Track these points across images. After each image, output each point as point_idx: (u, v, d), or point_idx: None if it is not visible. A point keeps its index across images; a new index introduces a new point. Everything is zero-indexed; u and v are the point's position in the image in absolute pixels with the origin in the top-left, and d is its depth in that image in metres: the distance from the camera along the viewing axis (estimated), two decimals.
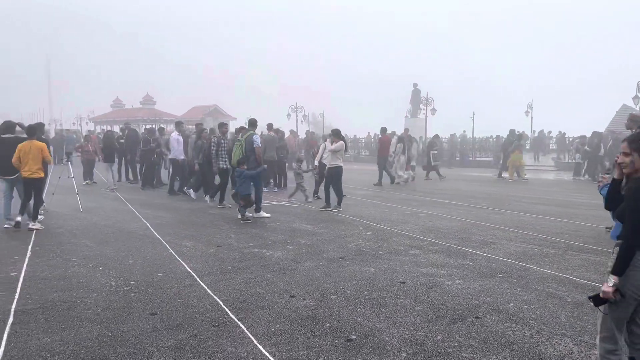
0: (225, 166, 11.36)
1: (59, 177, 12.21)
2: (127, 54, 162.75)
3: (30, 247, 7.55)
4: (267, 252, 7.25)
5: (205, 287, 5.54)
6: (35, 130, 9.22)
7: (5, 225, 9.01)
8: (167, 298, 5.23)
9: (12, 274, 6.09)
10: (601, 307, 2.96)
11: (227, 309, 4.87)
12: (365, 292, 5.36)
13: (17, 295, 5.29)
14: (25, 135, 9.05)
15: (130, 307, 4.94)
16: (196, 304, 5.02)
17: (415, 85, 35.41)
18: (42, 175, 9.09)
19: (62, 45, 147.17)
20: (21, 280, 5.84)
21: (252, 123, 10.77)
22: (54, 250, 7.32)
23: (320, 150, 12.42)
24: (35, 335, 4.24)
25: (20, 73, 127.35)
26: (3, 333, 4.29)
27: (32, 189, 8.90)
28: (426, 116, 34.32)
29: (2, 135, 9.15)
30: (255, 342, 4.10)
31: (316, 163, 12.49)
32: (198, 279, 5.86)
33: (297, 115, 39.33)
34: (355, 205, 11.93)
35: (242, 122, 13.98)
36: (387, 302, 5.06)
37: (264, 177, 11.80)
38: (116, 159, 16.81)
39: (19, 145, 8.75)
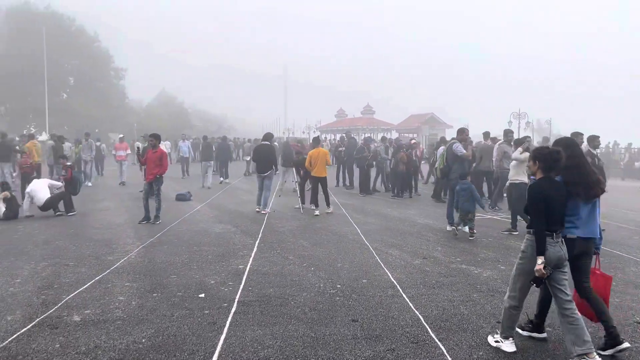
0: None
1: (285, 182, 13.50)
2: (352, 68, 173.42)
3: (257, 243, 8.44)
4: (476, 269, 6.80)
5: (407, 300, 5.42)
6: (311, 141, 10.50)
7: (256, 210, 11.94)
8: (369, 306, 5.25)
9: (239, 267, 6.86)
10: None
11: (427, 327, 4.67)
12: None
13: (241, 287, 5.91)
14: (275, 143, 10.63)
15: (334, 311, 5.10)
16: (397, 317, 4.93)
17: None
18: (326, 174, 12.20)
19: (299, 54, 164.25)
20: (246, 273, 6.53)
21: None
22: (275, 248, 8.04)
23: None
24: (251, 326, 4.66)
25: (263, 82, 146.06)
26: (226, 320, 4.81)
27: (321, 184, 11.97)
28: None
29: (262, 142, 12.34)
30: None
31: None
32: (401, 290, 5.77)
33: (519, 123, 36.51)
34: None
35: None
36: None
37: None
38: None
39: (310, 152, 12.32)
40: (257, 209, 11.97)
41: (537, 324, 4.50)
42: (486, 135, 14.53)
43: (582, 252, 4.19)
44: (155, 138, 10.66)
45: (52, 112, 43.75)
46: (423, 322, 4.80)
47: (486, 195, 14.01)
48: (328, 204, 12.14)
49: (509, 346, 4.15)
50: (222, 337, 4.40)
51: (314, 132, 66.67)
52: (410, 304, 5.30)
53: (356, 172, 17.36)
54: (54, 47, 46.72)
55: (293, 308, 5.18)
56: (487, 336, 4.39)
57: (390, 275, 6.43)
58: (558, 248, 3.96)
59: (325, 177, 12.18)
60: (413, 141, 17.96)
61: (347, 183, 18.00)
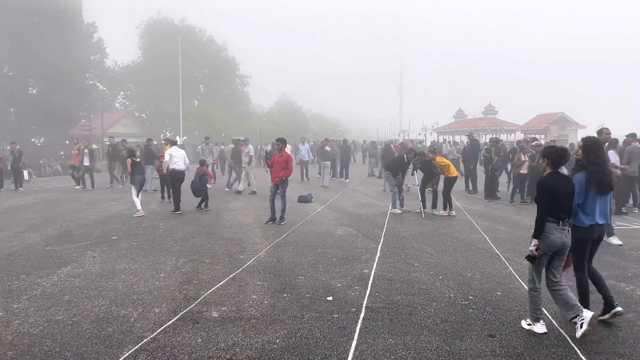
0: None
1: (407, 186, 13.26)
2: (471, 67, 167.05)
3: (379, 247, 8.34)
4: (627, 287, 6.08)
5: (550, 317, 4.97)
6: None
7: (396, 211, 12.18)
8: (506, 321, 4.90)
9: (364, 271, 6.80)
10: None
11: (577, 348, 4.23)
12: None
13: (367, 292, 5.84)
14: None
15: (469, 324, 4.82)
16: (539, 335, 4.53)
17: None
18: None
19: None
20: (371, 278, 6.45)
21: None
22: (399, 254, 7.88)
23: None
24: (381, 334, 4.56)
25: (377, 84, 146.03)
26: (356, 326, 4.76)
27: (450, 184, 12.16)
28: None
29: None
30: None
31: None
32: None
33: None
34: None
35: (592, 132, 12.29)
36: None
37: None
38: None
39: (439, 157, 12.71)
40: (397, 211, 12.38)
41: (605, 301, 4.85)
42: (632, 136, 13.05)
43: (598, 237, 4.85)
44: (282, 142, 11.02)
45: (185, 117, 47.46)
46: (571, 342, 4.36)
47: (630, 202, 12.62)
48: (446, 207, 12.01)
49: (540, 328, 4.59)
50: (354, 343, 4.35)
51: (431, 134, 65.18)
52: (554, 322, 4.86)
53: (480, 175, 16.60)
54: (187, 57, 50.70)
55: (423, 318, 4.99)
56: (521, 321, 4.82)
57: (526, 287, 5.96)
58: (563, 235, 4.53)
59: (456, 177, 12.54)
60: (535, 142, 16.69)
61: (471, 187, 17.24)
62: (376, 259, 7.52)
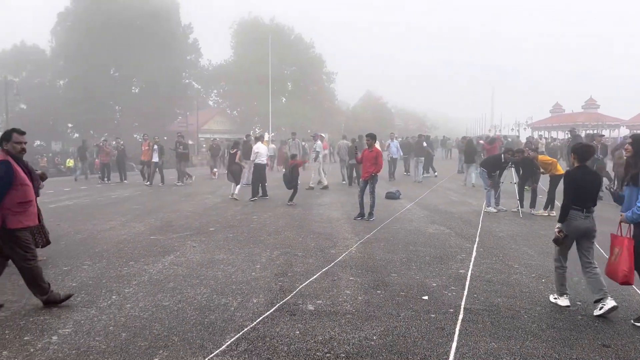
0: None
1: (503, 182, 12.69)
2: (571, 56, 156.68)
3: (475, 247, 8.03)
4: None
5: None
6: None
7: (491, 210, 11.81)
8: (621, 331, 4.53)
9: (460, 271, 6.57)
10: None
11: None
12: None
13: (465, 293, 5.64)
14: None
15: (578, 332, 4.51)
16: None
17: None
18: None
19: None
20: (468, 278, 6.22)
21: None
22: (497, 254, 7.54)
23: None
24: (482, 337, 4.37)
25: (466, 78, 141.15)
26: (455, 327, 4.61)
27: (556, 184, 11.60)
28: None
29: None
30: None
31: None
32: None
33: None
34: None
35: None
36: None
37: None
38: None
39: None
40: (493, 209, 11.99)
41: None
42: None
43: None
44: (372, 138, 10.95)
45: (273, 114, 48.72)
46: None
47: None
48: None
49: (563, 301, 5.23)
50: (454, 345, 4.20)
51: (525, 129, 62.06)
52: None
53: None
54: (276, 55, 51.95)
55: (527, 322, 4.73)
56: (549, 296, 5.40)
57: (554, 266, 5.56)
58: (587, 221, 5.09)
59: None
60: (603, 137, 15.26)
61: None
62: (472, 259, 7.25)
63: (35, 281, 5.06)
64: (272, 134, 46.09)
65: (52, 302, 5.11)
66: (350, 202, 13.21)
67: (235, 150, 14.59)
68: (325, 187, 16.87)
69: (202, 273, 6.42)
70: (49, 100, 45.67)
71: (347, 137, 21.26)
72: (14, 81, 35.51)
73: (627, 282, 4.81)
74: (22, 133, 5.07)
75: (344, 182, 18.89)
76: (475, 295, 5.55)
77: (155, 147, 19.26)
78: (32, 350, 4.05)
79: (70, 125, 51.14)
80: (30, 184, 5.04)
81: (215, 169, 23.10)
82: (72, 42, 45.37)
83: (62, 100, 46.09)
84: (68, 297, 5.23)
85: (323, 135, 22.30)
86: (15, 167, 4.90)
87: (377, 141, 11.51)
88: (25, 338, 4.30)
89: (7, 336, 4.34)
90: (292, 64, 60.44)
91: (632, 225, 4.86)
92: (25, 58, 48.90)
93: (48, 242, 6.88)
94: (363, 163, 10.93)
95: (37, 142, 47.30)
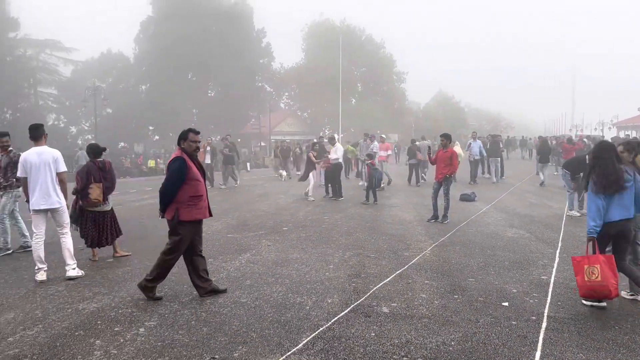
0: None
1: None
2: None
3: (557, 252, 7.64)
4: None
5: None
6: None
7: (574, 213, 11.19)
8: None
9: (542, 277, 6.27)
10: None
11: None
12: None
13: (548, 300, 5.37)
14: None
15: None
16: None
17: None
18: None
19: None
20: (551, 285, 5.92)
21: None
22: None
23: None
24: (569, 347, 4.14)
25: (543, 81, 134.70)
26: (538, 336, 4.40)
27: None
28: None
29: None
30: None
31: None
32: None
33: None
34: None
35: None
36: None
37: None
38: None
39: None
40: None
41: None
42: None
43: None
44: (446, 138, 10.70)
45: (343, 115, 48.90)
46: None
47: None
48: None
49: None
50: (537, 353, 4.02)
51: (610, 129, 58.34)
52: None
53: None
54: (347, 56, 52.15)
55: (619, 334, 4.43)
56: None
57: None
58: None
59: None
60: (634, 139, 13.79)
61: None
62: (555, 264, 6.90)
63: (162, 273, 5.41)
64: (342, 135, 46.29)
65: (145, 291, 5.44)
66: (423, 204, 12.99)
67: (311, 150, 15.21)
68: (382, 187, 16.65)
69: (277, 271, 6.54)
70: (132, 104, 48.39)
71: (425, 138, 20.98)
72: (101, 87, 37.86)
73: (617, 294, 4.91)
74: (197, 133, 5.53)
75: (419, 184, 18.57)
76: (559, 303, 5.28)
77: (208, 149, 18.92)
78: (122, 340, 4.30)
79: (151, 127, 53.92)
80: (202, 180, 5.47)
81: (281, 171, 23.10)
82: (153, 49, 47.85)
83: (144, 104, 48.69)
84: (156, 298, 5.50)
85: (383, 136, 21.87)
86: (189, 163, 5.34)
87: (452, 141, 11.23)
88: (116, 329, 4.57)
89: (99, 326, 4.64)
90: (362, 65, 60.40)
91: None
92: (111, 65, 52.15)
93: (117, 235, 7.50)
94: (437, 164, 10.70)
95: (121, 144, 50.33)
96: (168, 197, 5.30)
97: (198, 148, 5.52)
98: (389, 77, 62.76)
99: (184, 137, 5.42)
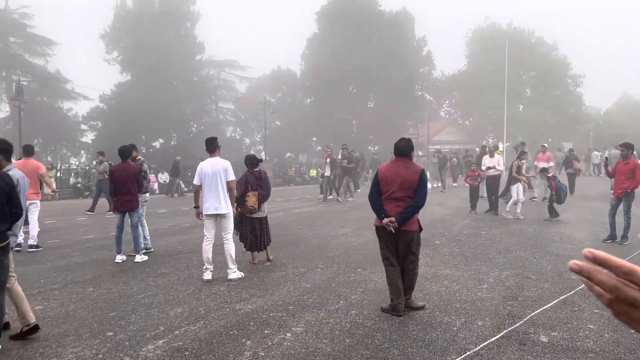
0: None
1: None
2: None
3: None
4: None
5: None
6: None
7: None
8: None
9: None
10: None
11: None
12: None
13: None
14: None
15: None
16: None
17: None
18: None
19: None
20: None
21: None
22: None
23: None
24: None
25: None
26: None
27: None
28: None
29: None
30: None
31: None
32: None
33: None
34: None
35: None
36: None
37: None
38: None
39: None
40: None
41: None
42: None
43: None
44: (627, 148, 9.39)
45: (508, 122, 46.02)
46: None
47: None
48: None
49: None
50: None
51: None
52: None
53: None
54: (514, 60, 49.05)
55: None
56: None
57: None
58: None
59: None
60: None
61: None
62: None
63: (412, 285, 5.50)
64: (507, 143, 43.59)
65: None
66: (599, 221, 11.59)
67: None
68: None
69: (425, 287, 6.34)
70: (298, 117, 51.49)
71: (617, 147, 18.79)
72: (270, 101, 40.96)
73: None
74: None
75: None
76: None
77: (328, 160, 17.93)
78: (269, 343, 4.52)
79: (314, 139, 56.71)
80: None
81: (435, 182, 22.32)
82: (318, 64, 50.33)
83: (309, 117, 51.44)
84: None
85: (545, 145, 19.47)
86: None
87: (634, 151, 9.85)
88: (265, 331, 4.83)
89: (251, 327, 4.95)
90: (531, 69, 56.31)
91: None
92: (280, 80, 56.16)
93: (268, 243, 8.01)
94: (616, 177, 9.45)
95: (288, 154, 53.78)
96: None
97: None
98: (562, 81, 57.46)
99: None
